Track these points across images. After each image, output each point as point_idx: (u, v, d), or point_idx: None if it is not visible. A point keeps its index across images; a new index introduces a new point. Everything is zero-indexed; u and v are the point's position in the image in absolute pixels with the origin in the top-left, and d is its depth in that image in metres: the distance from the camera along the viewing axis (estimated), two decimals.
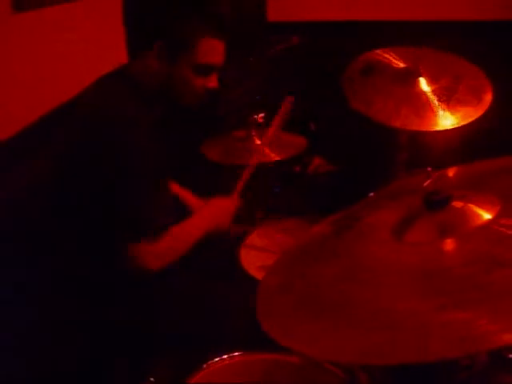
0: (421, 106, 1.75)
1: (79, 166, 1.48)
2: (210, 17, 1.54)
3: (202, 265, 1.69)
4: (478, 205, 0.98)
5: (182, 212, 1.78)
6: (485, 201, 0.99)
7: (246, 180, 1.88)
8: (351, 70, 1.90)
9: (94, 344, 1.56)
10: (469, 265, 0.85)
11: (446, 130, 1.71)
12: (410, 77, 1.82)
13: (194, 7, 1.53)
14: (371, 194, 1.37)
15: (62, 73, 2.05)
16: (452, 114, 1.73)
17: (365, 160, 2.75)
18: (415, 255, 0.95)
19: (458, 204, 1.00)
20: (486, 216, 0.95)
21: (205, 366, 1.30)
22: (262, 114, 2.13)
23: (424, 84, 1.80)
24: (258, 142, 2.09)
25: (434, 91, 1.78)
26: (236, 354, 1.33)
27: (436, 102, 1.75)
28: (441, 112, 1.73)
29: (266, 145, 2.01)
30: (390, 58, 1.90)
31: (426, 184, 1.02)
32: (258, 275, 1.66)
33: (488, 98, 1.75)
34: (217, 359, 1.31)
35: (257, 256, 1.85)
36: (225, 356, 1.32)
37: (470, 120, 1.71)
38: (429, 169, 1.08)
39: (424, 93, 1.78)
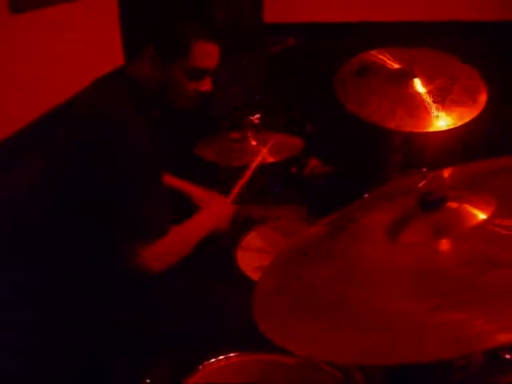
0: (416, 106, 1.76)
1: (79, 166, 1.48)
2: (204, 20, 1.55)
3: (201, 265, 1.69)
4: (472, 205, 0.98)
5: (180, 206, 1.79)
6: (480, 201, 0.99)
7: (245, 181, 1.89)
8: (343, 72, 1.90)
9: (94, 344, 1.56)
10: (464, 265, 0.85)
11: (441, 131, 1.72)
12: (404, 78, 1.82)
13: (190, 11, 1.53)
14: (366, 195, 1.38)
15: (60, 73, 2.05)
16: (447, 114, 1.73)
17: (360, 161, 2.76)
18: (410, 256, 0.95)
19: (452, 204, 1.00)
20: (481, 216, 0.95)
21: (201, 367, 1.29)
22: (257, 115, 2.13)
23: (419, 85, 1.80)
24: (254, 143, 2.10)
25: (428, 92, 1.79)
26: (232, 354, 1.32)
27: (431, 103, 1.76)
28: (436, 113, 1.73)
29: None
30: (385, 58, 1.90)
31: (420, 185, 1.02)
32: (255, 276, 1.66)
33: (483, 98, 1.76)
34: (213, 360, 1.31)
35: (253, 257, 1.85)
36: (221, 357, 1.32)
37: (465, 121, 1.72)
38: (424, 170, 1.08)
39: (419, 94, 1.79)
